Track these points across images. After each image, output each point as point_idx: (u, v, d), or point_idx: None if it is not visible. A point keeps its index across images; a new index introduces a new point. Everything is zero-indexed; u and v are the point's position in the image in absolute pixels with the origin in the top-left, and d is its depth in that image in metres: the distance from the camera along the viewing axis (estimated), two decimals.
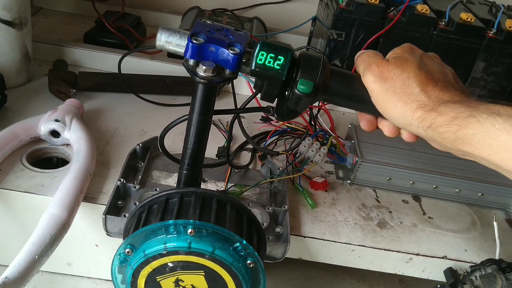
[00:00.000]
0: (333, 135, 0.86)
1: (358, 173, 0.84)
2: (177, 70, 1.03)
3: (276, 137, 0.92)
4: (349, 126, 0.92)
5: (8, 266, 0.54)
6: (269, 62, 0.55)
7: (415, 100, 0.50)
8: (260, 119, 0.96)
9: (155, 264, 0.53)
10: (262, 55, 0.55)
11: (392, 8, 1.02)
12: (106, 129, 0.87)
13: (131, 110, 0.94)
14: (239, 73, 0.57)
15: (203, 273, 0.54)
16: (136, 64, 1.02)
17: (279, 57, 0.55)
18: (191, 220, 0.53)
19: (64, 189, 0.66)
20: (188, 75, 0.57)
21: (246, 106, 0.71)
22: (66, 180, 0.68)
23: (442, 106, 0.48)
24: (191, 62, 0.56)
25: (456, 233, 0.79)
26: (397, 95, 0.51)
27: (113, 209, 0.68)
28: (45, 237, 0.59)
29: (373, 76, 0.52)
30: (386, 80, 0.52)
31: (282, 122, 0.93)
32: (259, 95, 0.59)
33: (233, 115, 0.78)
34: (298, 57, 0.56)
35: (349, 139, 0.90)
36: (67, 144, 0.80)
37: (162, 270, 0.54)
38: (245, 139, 0.91)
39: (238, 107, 0.87)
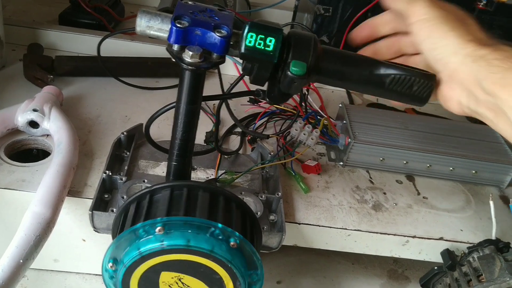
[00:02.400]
0: (325, 116, 0.83)
1: (351, 154, 0.82)
2: (159, 51, 0.99)
3: (265, 119, 0.89)
4: (340, 105, 0.89)
5: None
6: (259, 44, 0.52)
7: (471, 33, 0.49)
8: (248, 101, 0.93)
9: (139, 272, 0.51)
10: (251, 37, 0.52)
11: None
12: (87, 117, 0.83)
13: (113, 95, 0.90)
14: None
15: (194, 273, 0.52)
16: (116, 46, 0.97)
17: (270, 38, 0.52)
18: (158, 218, 0.50)
19: (47, 185, 0.62)
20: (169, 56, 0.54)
21: (233, 90, 0.68)
22: (48, 175, 0.64)
23: (496, 45, 0.48)
24: (176, 47, 0.52)
25: (451, 213, 0.78)
26: (455, 23, 0.50)
27: (100, 204, 0.65)
28: (29, 238, 0.56)
29: (429, 2, 0.51)
30: (443, 9, 0.51)
31: (271, 104, 0.90)
32: (246, 77, 0.57)
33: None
34: (287, 37, 0.53)
35: (340, 119, 0.87)
36: (47, 135, 0.76)
37: (149, 275, 0.52)
38: (233, 123, 0.88)
39: (225, 91, 0.84)
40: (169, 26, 0.52)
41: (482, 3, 1.00)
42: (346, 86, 0.57)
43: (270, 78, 0.55)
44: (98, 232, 0.64)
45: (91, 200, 0.65)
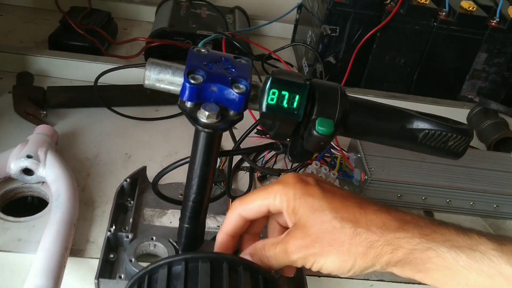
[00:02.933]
0: (341, 154, 0.78)
1: (367, 191, 0.77)
2: None
3: (275, 152, 0.84)
4: None
5: None
6: (282, 101, 0.47)
7: (357, 244, 0.44)
8: (255, 132, 0.87)
9: None
10: (274, 93, 0.47)
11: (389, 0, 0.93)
12: (85, 157, 0.77)
13: (110, 128, 0.84)
14: None
15: None
16: (110, 73, 0.91)
17: (294, 95, 0.47)
18: None
19: (46, 250, 0.57)
20: None
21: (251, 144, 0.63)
22: (47, 237, 0.58)
23: (390, 237, 0.43)
24: (189, 104, 0.47)
25: None
26: (337, 251, 0.44)
27: (105, 267, 0.59)
28: None
29: (297, 253, 0.46)
30: (309, 246, 0.45)
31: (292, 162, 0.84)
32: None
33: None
34: (310, 89, 0.48)
35: (353, 151, 0.82)
36: (43, 182, 0.70)
37: None
38: (240, 156, 0.83)
39: (237, 140, 0.78)
40: (182, 79, 0.47)
41: (495, 21, 0.95)
42: (374, 140, 0.53)
43: (292, 134, 0.50)
44: None
45: (95, 259, 0.60)
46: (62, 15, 1.00)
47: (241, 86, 0.47)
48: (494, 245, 0.42)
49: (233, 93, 0.46)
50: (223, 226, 0.52)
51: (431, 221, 0.46)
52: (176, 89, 0.49)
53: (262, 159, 0.83)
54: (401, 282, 0.67)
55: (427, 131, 0.49)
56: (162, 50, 0.97)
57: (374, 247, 0.44)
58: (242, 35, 1.03)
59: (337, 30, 0.95)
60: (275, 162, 0.83)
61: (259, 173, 0.80)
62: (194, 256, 0.51)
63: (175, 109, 0.90)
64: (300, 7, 1.15)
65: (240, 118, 0.48)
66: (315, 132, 0.47)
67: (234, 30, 1.03)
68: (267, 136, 0.87)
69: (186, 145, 0.82)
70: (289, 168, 0.81)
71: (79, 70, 0.92)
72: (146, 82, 0.49)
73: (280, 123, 0.48)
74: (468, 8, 0.94)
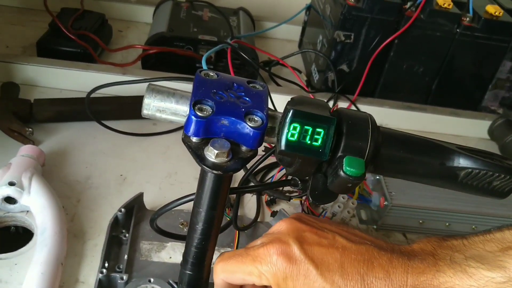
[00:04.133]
0: None
1: (387, 218, 0.70)
2: None
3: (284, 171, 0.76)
4: None
5: None
6: (305, 137, 0.40)
7: None
8: (263, 150, 0.80)
9: None
10: (295, 128, 0.40)
11: (409, 4, 0.86)
12: (75, 180, 0.70)
13: (104, 145, 0.77)
14: None
15: None
16: (104, 81, 0.83)
17: (318, 129, 0.40)
18: None
19: None
20: None
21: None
22: (31, 281, 0.51)
23: None
24: (195, 140, 0.40)
25: None
26: None
27: None
28: None
29: None
30: None
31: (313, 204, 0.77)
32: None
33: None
34: (337, 118, 0.40)
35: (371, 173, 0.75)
36: (27, 211, 0.62)
37: None
38: (246, 176, 0.75)
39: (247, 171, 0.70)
40: (187, 109, 0.40)
41: (467, 19, 0.87)
42: (408, 178, 0.46)
43: (313, 172, 0.43)
44: None
45: None
46: (52, 18, 0.92)
47: (256, 119, 0.39)
48: None
49: (247, 127, 0.39)
50: None
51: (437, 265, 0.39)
52: (180, 120, 0.42)
53: (271, 179, 0.75)
54: None
55: (470, 169, 0.43)
56: (160, 57, 0.89)
57: None
58: (247, 40, 0.95)
59: (352, 37, 0.87)
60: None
61: (267, 197, 0.72)
62: None
63: (174, 123, 0.83)
64: (309, 8, 1.07)
65: (254, 155, 0.41)
66: (342, 173, 0.39)
67: (239, 35, 0.95)
68: None
69: (187, 163, 0.75)
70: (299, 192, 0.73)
71: (70, 80, 0.84)
72: (145, 112, 0.42)
73: (300, 161, 0.41)
74: (494, 13, 0.86)
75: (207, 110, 0.39)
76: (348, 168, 0.39)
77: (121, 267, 0.57)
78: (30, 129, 0.72)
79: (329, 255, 0.41)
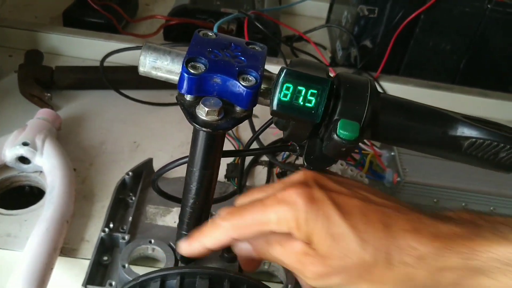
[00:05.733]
0: (371, 151, 0.70)
1: (400, 195, 0.69)
2: None
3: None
4: None
5: None
6: (298, 98, 0.39)
7: (393, 278, 0.37)
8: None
9: None
10: (288, 88, 0.39)
11: None
12: (90, 144, 0.71)
13: (120, 113, 0.78)
14: None
15: None
16: (123, 53, 0.84)
17: (312, 91, 0.39)
18: None
19: (33, 250, 0.51)
20: None
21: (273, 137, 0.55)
22: (35, 236, 0.53)
23: (431, 266, 0.36)
24: (188, 98, 0.40)
25: None
26: (368, 284, 0.38)
27: (97, 272, 0.53)
28: None
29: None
30: (333, 276, 0.38)
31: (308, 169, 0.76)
32: None
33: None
34: (336, 82, 0.39)
35: (387, 148, 0.73)
36: (41, 171, 0.64)
37: None
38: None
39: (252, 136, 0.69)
40: (180, 68, 0.40)
41: None
42: (409, 147, 0.44)
43: (309, 136, 0.42)
44: None
45: (88, 260, 0.54)
46: None
47: (250, 78, 0.39)
48: None
49: (240, 86, 0.38)
50: (204, 237, 0.43)
51: (476, 230, 0.37)
52: (175, 78, 0.41)
53: (283, 153, 0.75)
54: None
55: (474, 139, 0.41)
56: (182, 28, 0.90)
57: (414, 279, 0.37)
58: (270, 15, 0.94)
59: (376, 11, 0.84)
60: (297, 157, 0.75)
61: (278, 169, 0.72)
62: (191, 271, 0.45)
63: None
64: None
65: (248, 115, 0.40)
66: (335, 136, 0.38)
67: (262, 9, 0.94)
68: None
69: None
70: None
71: (92, 49, 0.86)
72: (141, 69, 0.42)
73: (294, 123, 0.40)
74: None
75: (200, 67, 0.39)
76: (341, 131, 0.38)
77: (124, 228, 0.58)
78: (48, 95, 0.74)
79: (351, 202, 0.39)
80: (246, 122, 0.79)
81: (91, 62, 0.86)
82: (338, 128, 0.38)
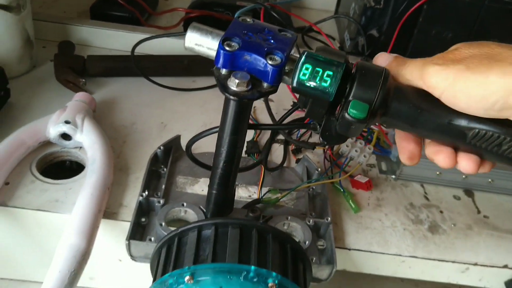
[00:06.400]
0: (378, 129, 0.76)
1: (405, 168, 0.75)
2: None
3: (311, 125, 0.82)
4: None
5: (27, 281, 0.47)
6: (314, 78, 0.44)
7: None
8: (291, 105, 0.86)
9: None
10: (307, 69, 0.44)
11: None
12: (122, 124, 0.78)
13: (148, 98, 0.85)
14: None
15: None
16: (149, 43, 0.91)
17: (328, 72, 0.44)
18: (186, 267, 0.47)
19: (81, 211, 0.58)
20: None
21: (286, 120, 0.61)
22: (82, 200, 0.60)
23: None
24: (223, 71, 0.46)
25: None
26: (484, 66, 0.39)
27: (137, 230, 0.60)
28: (64, 275, 0.52)
29: (440, 65, 0.40)
30: (461, 61, 0.40)
31: (325, 145, 0.82)
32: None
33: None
34: (354, 69, 0.45)
35: None
36: (80, 147, 0.71)
37: None
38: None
39: (277, 121, 0.76)
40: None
41: None
42: (417, 133, 0.47)
43: (327, 114, 0.47)
44: (135, 260, 0.60)
45: (127, 222, 0.61)
46: None
47: (276, 58, 0.45)
48: None
49: (267, 64, 0.45)
50: None
51: None
52: (213, 54, 0.48)
53: (297, 132, 0.81)
54: (433, 260, 0.65)
55: (477, 130, 0.43)
56: (201, 21, 0.96)
57: None
58: (283, 7, 1.01)
59: (382, 2, 0.91)
60: (310, 135, 0.81)
61: (293, 146, 0.78)
62: (224, 221, 0.51)
63: (212, 80, 0.90)
64: None
65: (274, 91, 0.46)
66: (346, 115, 0.43)
67: (275, 1, 1.01)
68: (304, 108, 0.85)
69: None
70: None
71: (119, 40, 0.93)
72: (186, 44, 0.48)
73: (312, 100, 0.46)
74: None
75: (234, 46, 0.45)
76: (352, 110, 0.43)
77: (159, 194, 0.65)
78: (83, 80, 0.81)
79: None
80: (264, 109, 0.86)
81: (117, 52, 0.93)
82: (349, 107, 0.44)
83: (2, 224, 0.64)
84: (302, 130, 0.81)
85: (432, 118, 0.44)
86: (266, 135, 0.81)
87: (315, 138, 0.81)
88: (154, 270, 0.53)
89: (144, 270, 0.58)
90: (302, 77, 0.44)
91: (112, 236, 0.64)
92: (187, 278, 0.46)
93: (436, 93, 0.42)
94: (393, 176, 0.76)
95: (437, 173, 0.75)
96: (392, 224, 0.69)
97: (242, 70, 0.46)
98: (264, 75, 0.45)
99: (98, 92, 0.84)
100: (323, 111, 0.46)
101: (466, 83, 0.40)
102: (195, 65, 0.90)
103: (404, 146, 0.48)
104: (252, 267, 0.46)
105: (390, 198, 0.73)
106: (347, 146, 0.70)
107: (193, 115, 0.83)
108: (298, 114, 0.85)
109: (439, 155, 0.46)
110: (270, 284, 0.47)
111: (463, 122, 0.43)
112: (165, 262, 0.50)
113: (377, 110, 0.43)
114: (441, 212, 0.73)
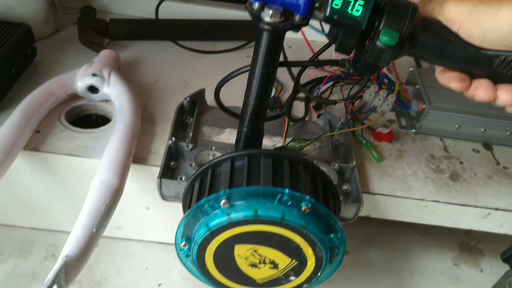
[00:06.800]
0: (397, 81, 0.77)
1: (425, 121, 0.76)
2: (215, 13, 0.95)
3: (331, 84, 0.83)
4: (411, 69, 0.83)
5: (56, 231, 0.48)
6: (347, 7, 0.46)
7: None
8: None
9: (212, 248, 0.50)
10: None
11: None
12: (146, 82, 0.80)
13: (170, 59, 0.87)
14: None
15: (269, 243, 0.49)
16: (170, 8, 0.93)
17: (360, 1, 0.46)
18: (221, 191, 0.48)
19: (112, 152, 0.60)
20: (227, 18, 0.49)
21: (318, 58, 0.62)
22: (112, 142, 0.61)
23: None
24: (256, 5, 0.48)
25: None
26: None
27: (167, 172, 0.62)
28: (99, 207, 0.53)
29: (456, 0, 0.44)
30: None
31: (336, 68, 0.84)
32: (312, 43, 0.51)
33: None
34: (383, 3, 0.47)
35: (411, 84, 0.81)
36: (107, 100, 0.73)
37: (223, 250, 0.50)
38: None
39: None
40: None
41: None
42: (445, 64, 0.49)
43: (357, 46, 0.49)
44: (165, 200, 0.62)
45: (156, 167, 0.62)
46: None
47: None
48: None
49: None
50: None
51: None
52: None
53: (317, 90, 0.83)
54: (456, 204, 0.67)
55: (503, 56, 0.45)
56: None
57: None
58: None
59: None
60: (331, 92, 0.83)
61: (314, 103, 0.80)
62: (256, 152, 0.53)
63: (231, 45, 0.92)
64: None
65: (305, 23, 0.48)
66: (378, 42, 0.45)
67: None
68: (324, 68, 0.87)
69: (241, 76, 0.84)
70: (343, 97, 0.80)
71: (139, 6, 0.95)
72: None
73: (343, 31, 0.47)
74: None
75: None
76: (383, 37, 0.44)
77: (187, 140, 0.66)
78: (107, 40, 0.83)
79: None
80: (284, 69, 0.87)
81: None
82: (381, 35, 0.45)
83: (34, 170, 0.65)
84: (323, 88, 0.82)
85: (458, 48, 0.46)
86: (287, 93, 0.83)
87: (336, 95, 0.83)
88: (187, 203, 0.54)
89: (171, 220, 0.59)
90: (334, 7, 0.45)
91: (141, 183, 0.66)
92: (223, 202, 0.48)
93: (454, 27, 0.45)
94: (413, 130, 0.78)
95: (456, 126, 0.76)
96: (414, 173, 0.70)
97: (275, 3, 0.47)
98: (296, 8, 0.47)
99: (120, 54, 0.84)
100: (354, 42, 0.47)
101: (480, 16, 0.43)
102: (215, 29, 0.92)
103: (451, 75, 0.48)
104: (287, 190, 0.47)
105: (410, 150, 0.75)
106: (370, 95, 0.71)
107: (215, 75, 0.82)
108: (317, 73, 0.86)
109: (479, 89, 0.47)
110: (303, 208, 0.48)
111: (489, 51, 0.45)
112: (200, 191, 0.51)
113: (406, 40, 0.45)
114: (461, 163, 0.74)
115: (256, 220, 0.47)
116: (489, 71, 0.46)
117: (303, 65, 0.66)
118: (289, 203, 0.48)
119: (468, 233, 0.85)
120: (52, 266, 0.46)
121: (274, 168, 0.51)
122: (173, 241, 0.52)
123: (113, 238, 0.75)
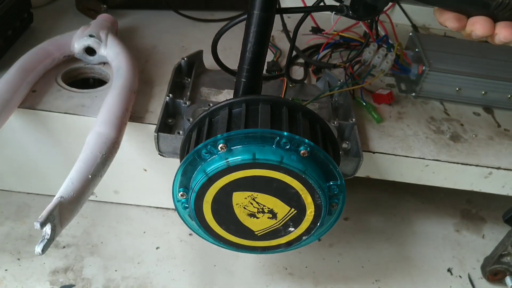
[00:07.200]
0: (397, 42, 0.77)
1: (425, 84, 0.75)
2: None
3: (329, 49, 0.83)
4: (410, 34, 0.83)
5: (53, 196, 0.47)
6: None
7: None
8: (310, 31, 0.87)
9: (210, 196, 0.49)
10: None
11: None
12: (143, 47, 0.79)
13: (168, 27, 0.86)
14: None
15: (267, 190, 0.49)
16: None
17: None
18: (219, 135, 0.47)
19: (109, 107, 0.59)
20: None
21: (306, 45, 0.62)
22: (109, 98, 0.61)
23: None
24: None
25: None
26: None
27: (164, 127, 0.61)
28: (96, 156, 0.53)
29: None
30: None
31: (335, 33, 0.84)
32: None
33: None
34: None
35: (411, 48, 0.81)
36: (104, 63, 0.72)
37: (221, 198, 0.49)
38: (295, 53, 0.82)
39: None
40: None
41: None
42: (444, 5, 0.48)
43: None
44: (163, 156, 0.61)
45: (154, 125, 0.62)
46: None
47: None
48: None
49: None
50: None
51: None
52: None
53: (317, 56, 0.82)
54: (457, 163, 0.66)
55: (500, 0, 0.45)
56: None
57: None
58: None
59: None
60: (330, 57, 0.82)
61: (313, 67, 0.79)
62: (255, 98, 0.52)
63: (229, 14, 0.91)
64: None
65: None
66: None
67: None
68: (322, 33, 0.86)
69: (239, 42, 0.83)
70: (344, 60, 0.80)
71: None
72: None
73: None
74: None
75: None
76: None
77: (184, 98, 0.65)
78: (104, 6, 0.82)
79: None
80: (282, 34, 0.86)
81: None
82: None
83: (30, 129, 0.64)
84: (322, 53, 0.82)
85: None
86: (285, 59, 0.82)
87: (335, 59, 0.82)
88: (184, 154, 0.54)
89: (168, 182, 0.57)
90: None
91: (138, 142, 0.65)
92: (220, 145, 0.47)
93: None
94: (413, 94, 0.77)
95: (457, 89, 0.76)
96: (414, 133, 0.70)
97: None
98: None
99: (118, 22, 0.84)
100: None
101: None
102: None
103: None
104: (285, 133, 0.47)
105: (410, 112, 0.74)
106: (369, 53, 0.70)
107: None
108: (316, 40, 0.85)
109: (476, 24, 0.47)
110: (302, 151, 0.47)
111: None
112: (197, 139, 0.50)
113: None
114: (462, 125, 0.73)
115: (254, 164, 0.47)
116: (486, 13, 0.46)
117: (302, 11, 0.65)
118: (288, 146, 0.47)
119: (469, 201, 0.84)
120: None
121: (272, 113, 0.50)
122: (172, 206, 0.51)
123: (111, 203, 0.74)
